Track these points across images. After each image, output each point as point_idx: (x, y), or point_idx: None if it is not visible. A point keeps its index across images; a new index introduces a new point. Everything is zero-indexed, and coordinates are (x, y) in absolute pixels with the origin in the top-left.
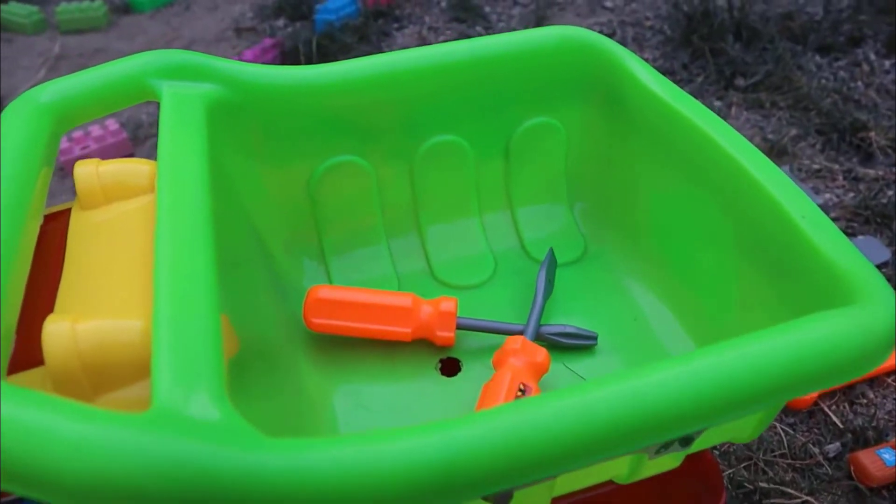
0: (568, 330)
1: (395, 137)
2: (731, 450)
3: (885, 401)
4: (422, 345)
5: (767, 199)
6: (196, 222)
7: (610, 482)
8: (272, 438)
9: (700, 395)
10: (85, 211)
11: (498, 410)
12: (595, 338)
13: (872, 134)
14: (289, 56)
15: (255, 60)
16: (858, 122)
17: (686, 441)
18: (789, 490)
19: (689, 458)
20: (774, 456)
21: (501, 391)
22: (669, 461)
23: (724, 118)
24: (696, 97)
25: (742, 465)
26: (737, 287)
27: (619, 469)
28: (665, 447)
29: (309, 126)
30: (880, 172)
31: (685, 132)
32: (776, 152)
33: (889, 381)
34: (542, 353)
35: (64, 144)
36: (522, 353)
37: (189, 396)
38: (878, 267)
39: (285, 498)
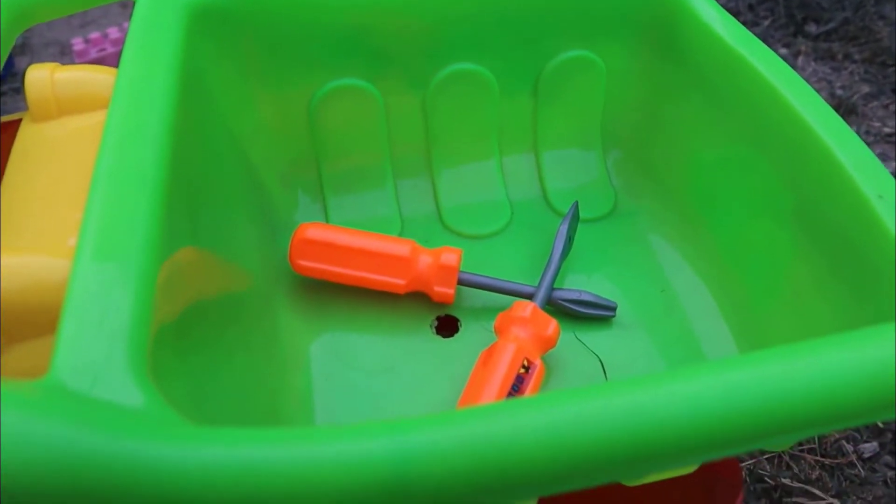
0: (584, 297)
1: (409, 61)
2: None
3: None
4: (418, 298)
5: (838, 171)
6: (148, 146)
7: None
8: (196, 428)
9: (728, 418)
10: (36, 123)
11: (472, 412)
12: (614, 308)
13: None
14: None
15: None
16: None
17: None
18: (814, 490)
19: None
20: (802, 450)
21: (502, 365)
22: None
23: None
24: None
25: (765, 457)
26: (790, 269)
27: None
28: None
29: (312, 41)
30: None
31: (748, 84)
32: (844, 110)
33: None
34: (552, 325)
35: (79, 46)
36: (531, 323)
37: (97, 369)
38: None
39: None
